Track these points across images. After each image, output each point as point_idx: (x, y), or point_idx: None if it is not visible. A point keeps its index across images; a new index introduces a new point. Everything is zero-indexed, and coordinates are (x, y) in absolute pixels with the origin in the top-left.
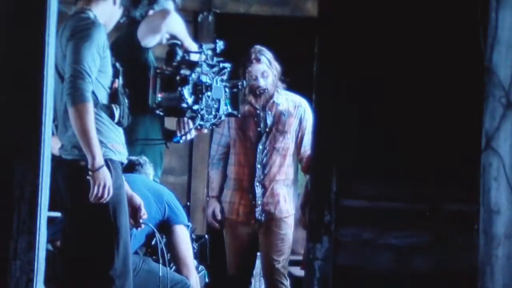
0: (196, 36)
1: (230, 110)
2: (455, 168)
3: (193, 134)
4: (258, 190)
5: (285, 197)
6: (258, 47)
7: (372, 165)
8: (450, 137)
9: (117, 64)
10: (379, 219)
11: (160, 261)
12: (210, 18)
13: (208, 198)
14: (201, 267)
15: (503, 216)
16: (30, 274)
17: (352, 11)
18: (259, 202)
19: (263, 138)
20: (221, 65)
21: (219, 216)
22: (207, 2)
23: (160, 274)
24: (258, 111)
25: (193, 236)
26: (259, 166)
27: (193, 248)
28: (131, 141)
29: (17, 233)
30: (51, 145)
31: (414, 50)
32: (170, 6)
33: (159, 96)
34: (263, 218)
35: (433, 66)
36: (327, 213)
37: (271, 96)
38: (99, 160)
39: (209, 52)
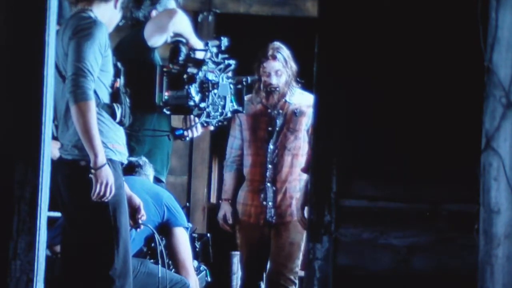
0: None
1: (235, 107)
2: (455, 168)
3: (199, 131)
4: (270, 191)
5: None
6: (276, 43)
7: (372, 165)
8: (450, 137)
9: (119, 64)
10: (379, 219)
11: (159, 262)
12: (210, 18)
13: (220, 201)
14: (202, 266)
15: (503, 216)
16: (30, 274)
17: (352, 11)
18: (270, 203)
19: (274, 138)
20: (226, 62)
21: (230, 220)
22: (207, 2)
23: (160, 275)
24: (269, 110)
25: (194, 235)
26: (270, 166)
27: (195, 247)
28: (138, 133)
29: (17, 233)
30: (50, 147)
31: (414, 50)
32: (172, 5)
33: (166, 94)
34: (274, 220)
35: (433, 66)
36: (327, 213)
37: (283, 95)
38: (102, 158)
39: (214, 50)
